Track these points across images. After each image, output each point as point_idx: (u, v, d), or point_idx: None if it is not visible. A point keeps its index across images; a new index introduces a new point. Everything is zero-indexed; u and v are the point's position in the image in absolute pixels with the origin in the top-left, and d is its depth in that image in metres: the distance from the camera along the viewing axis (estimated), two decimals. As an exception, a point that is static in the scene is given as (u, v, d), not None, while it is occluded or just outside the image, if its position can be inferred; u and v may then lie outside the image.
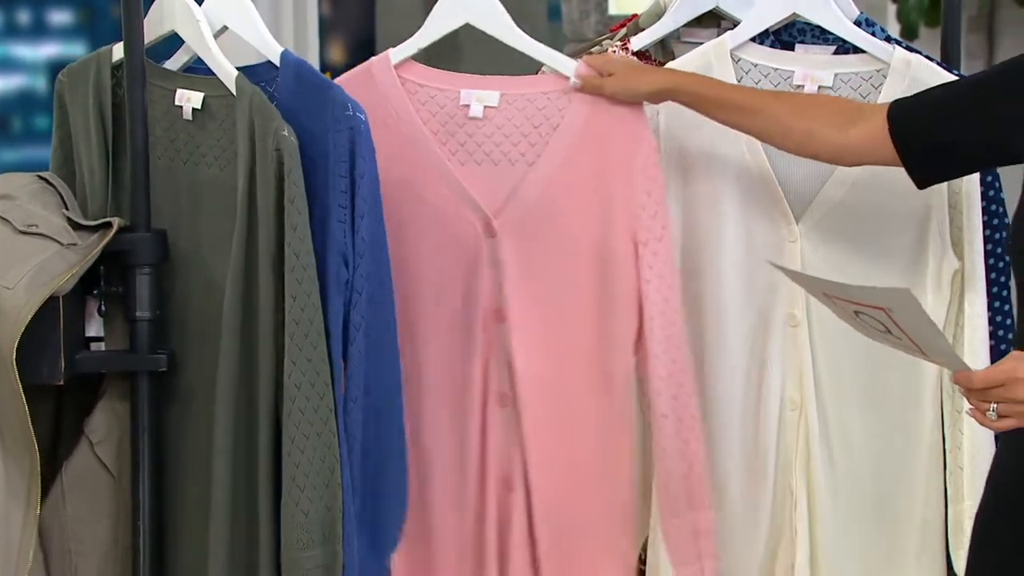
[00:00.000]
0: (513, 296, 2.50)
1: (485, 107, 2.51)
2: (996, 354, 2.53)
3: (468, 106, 2.51)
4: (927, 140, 2.32)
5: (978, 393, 2.04)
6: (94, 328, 2.49)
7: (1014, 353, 2.08)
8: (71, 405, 2.50)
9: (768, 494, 2.57)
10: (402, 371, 2.42)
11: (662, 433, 2.50)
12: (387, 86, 2.50)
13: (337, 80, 2.50)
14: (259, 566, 2.39)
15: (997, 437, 2.36)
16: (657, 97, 2.51)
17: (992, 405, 2.03)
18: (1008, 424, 2.04)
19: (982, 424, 2.05)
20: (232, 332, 2.38)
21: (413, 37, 2.54)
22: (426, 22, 2.54)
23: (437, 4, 2.54)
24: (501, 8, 2.54)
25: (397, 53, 2.53)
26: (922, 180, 2.37)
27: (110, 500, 2.47)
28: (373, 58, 2.53)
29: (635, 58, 2.65)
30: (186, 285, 2.47)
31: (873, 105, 2.43)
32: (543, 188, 2.50)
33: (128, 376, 2.45)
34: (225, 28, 2.50)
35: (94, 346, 2.48)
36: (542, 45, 2.53)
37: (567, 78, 2.51)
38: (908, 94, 2.45)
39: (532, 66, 2.61)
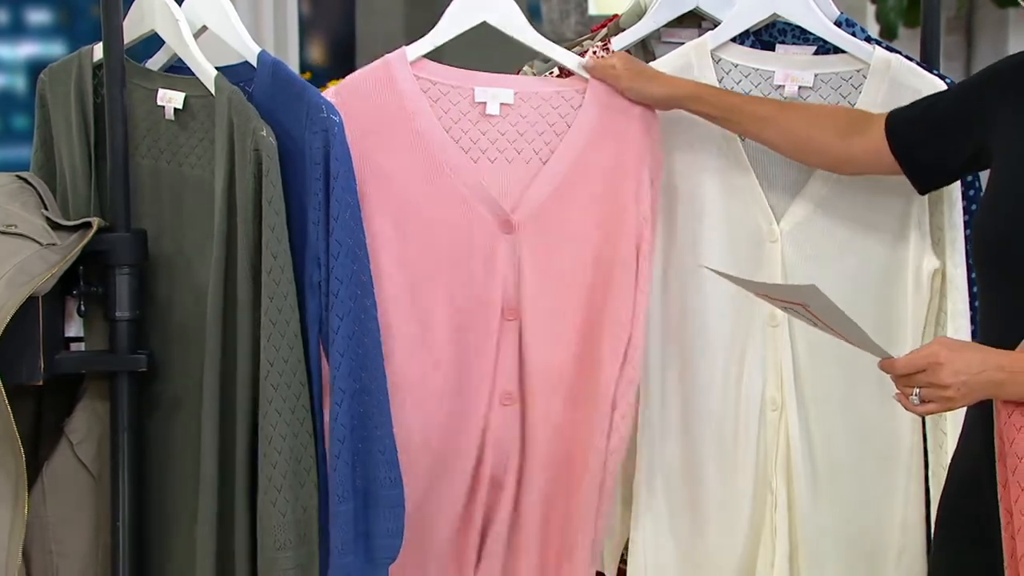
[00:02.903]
0: (527, 293, 2.51)
1: (501, 104, 2.52)
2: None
3: (483, 103, 2.52)
4: (925, 149, 2.36)
5: (902, 379, 2.07)
6: (74, 328, 2.48)
7: (938, 338, 2.11)
8: (51, 406, 2.49)
9: (748, 493, 2.58)
10: (387, 374, 2.40)
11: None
12: (403, 82, 2.50)
13: (352, 76, 2.52)
14: (235, 566, 2.39)
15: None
16: (668, 103, 2.52)
17: (915, 390, 2.06)
18: (931, 408, 2.07)
19: (907, 409, 2.09)
20: (215, 335, 2.38)
21: (429, 35, 2.54)
22: (442, 20, 2.55)
23: (454, 2, 2.54)
24: (517, 8, 2.54)
25: (413, 50, 2.53)
26: (924, 187, 2.42)
27: (90, 500, 2.46)
28: (389, 55, 2.53)
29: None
30: (169, 286, 2.47)
31: (874, 115, 2.45)
32: (556, 186, 2.51)
33: (108, 376, 2.45)
34: (205, 28, 2.50)
35: (74, 346, 2.48)
36: (557, 46, 2.55)
37: (583, 79, 2.53)
38: (888, 95, 2.47)
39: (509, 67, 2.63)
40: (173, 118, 2.45)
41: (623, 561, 2.64)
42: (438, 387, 2.51)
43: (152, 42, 2.54)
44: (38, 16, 5.01)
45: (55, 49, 5.01)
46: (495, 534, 2.54)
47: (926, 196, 2.54)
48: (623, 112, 2.52)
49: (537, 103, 2.53)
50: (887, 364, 2.08)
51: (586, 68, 2.53)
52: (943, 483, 2.32)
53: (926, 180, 2.40)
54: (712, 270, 2.26)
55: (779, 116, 2.48)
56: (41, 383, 2.37)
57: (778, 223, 2.56)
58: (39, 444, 2.49)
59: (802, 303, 2.06)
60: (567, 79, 2.56)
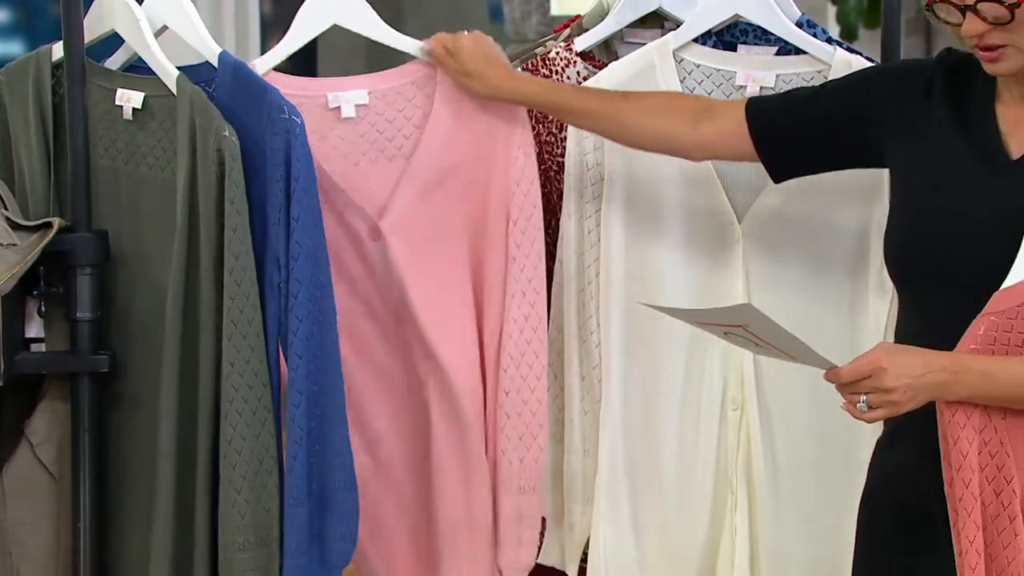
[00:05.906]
0: (413, 296, 2.48)
1: (356, 106, 2.49)
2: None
3: (338, 108, 2.49)
4: (787, 138, 2.35)
5: (848, 387, 2.07)
6: (34, 329, 2.47)
7: (880, 344, 2.11)
8: (11, 407, 2.48)
9: (708, 492, 2.58)
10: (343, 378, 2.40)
11: (506, 411, 2.50)
12: None
13: None
14: (195, 567, 2.38)
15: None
16: (514, 102, 2.50)
17: (862, 397, 2.06)
18: (879, 415, 2.07)
19: (856, 418, 2.08)
20: (175, 334, 2.37)
21: (277, 46, 2.51)
22: (290, 30, 2.51)
23: (300, 10, 2.51)
24: (367, 6, 2.51)
25: (261, 64, 2.50)
26: (779, 174, 2.41)
27: (51, 502, 2.45)
28: None
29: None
30: (129, 287, 2.46)
31: (725, 101, 2.46)
32: (424, 182, 2.48)
33: (69, 377, 2.44)
34: (165, 27, 2.49)
35: (34, 347, 2.47)
36: (409, 38, 2.51)
37: (432, 66, 2.50)
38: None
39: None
40: (131, 118, 2.45)
41: (584, 560, 2.64)
42: (362, 390, 2.50)
43: (110, 42, 2.53)
44: (-3, 16, 4.99)
45: (14, 48, 4.99)
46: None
47: (886, 199, 2.54)
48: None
49: (392, 98, 2.50)
50: (832, 375, 2.07)
51: (423, 53, 2.48)
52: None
53: (783, 169, 2.39)
54: (648, 306, 2.26)
55: (613, 109, 2.46)
56: (1, 384, 2.36)
57: (739, 223, 2.56)
58: (-1, 446, 2.48)
59: (740, 324, 2.06)
60: (419, 65, 2.51)
